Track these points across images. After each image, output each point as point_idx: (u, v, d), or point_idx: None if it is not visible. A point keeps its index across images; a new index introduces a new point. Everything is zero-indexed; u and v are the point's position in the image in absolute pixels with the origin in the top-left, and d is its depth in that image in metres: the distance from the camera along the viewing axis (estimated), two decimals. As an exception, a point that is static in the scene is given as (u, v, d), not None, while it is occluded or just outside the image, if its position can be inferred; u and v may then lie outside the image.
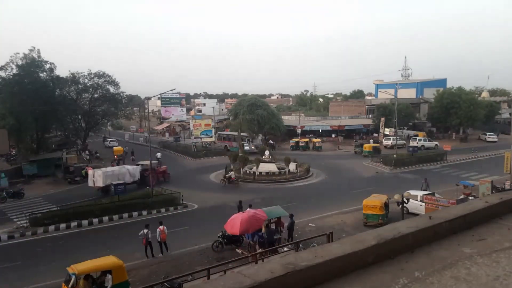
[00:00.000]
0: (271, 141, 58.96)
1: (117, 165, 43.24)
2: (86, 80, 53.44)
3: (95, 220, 24.80)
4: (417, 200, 23.53)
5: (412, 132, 63.76)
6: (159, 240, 18.73)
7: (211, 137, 60.21)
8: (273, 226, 20.00)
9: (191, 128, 60.49)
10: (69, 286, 12.46)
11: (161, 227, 18.86)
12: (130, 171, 33.50)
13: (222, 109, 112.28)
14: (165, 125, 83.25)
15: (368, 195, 29.76)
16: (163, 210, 27.23)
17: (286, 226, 20.22)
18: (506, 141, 50.55)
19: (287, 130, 63.82)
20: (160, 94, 53.97)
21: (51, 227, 23.62)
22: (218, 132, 64.56)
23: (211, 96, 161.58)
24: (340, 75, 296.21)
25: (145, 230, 18.74)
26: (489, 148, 54.02)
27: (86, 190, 33.65)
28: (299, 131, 61.82)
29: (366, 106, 74.30)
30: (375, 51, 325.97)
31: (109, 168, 34.78)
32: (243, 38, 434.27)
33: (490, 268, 2.75)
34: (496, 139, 61.26)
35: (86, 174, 38.40)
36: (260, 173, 37.17)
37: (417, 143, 52.91)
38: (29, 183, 36.56)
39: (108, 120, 63.05)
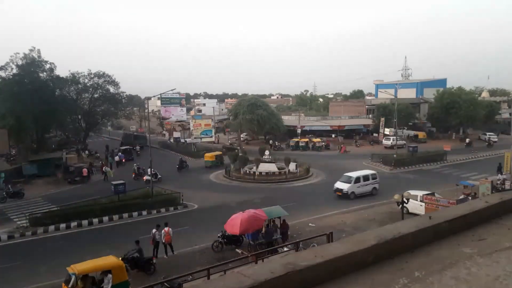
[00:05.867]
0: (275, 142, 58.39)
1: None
2: (86, 80, 53.55)
3: (95, 220, 24.80)
4: (417, 200, 23.54)
5: (412, 132, 63.74)
6: (163, 241, 18.73)
7: (211, 137, 60.25)
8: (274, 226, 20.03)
9: (191, 128, 60.52)
10: (69, 286, 12.46)
11: (166, 228, 18.84)
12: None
13: (222, 109, 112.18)
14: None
15: (368, 195, 29.89)
16: (163, 210, 27.23)
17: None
18: (506, 141, 50.54)
19: (287, 130, 63.79)
20: (160, 94, 53.96)
21: (51, 227, 23.63)
22: None
23: (211, 96, 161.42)
24: (340, 75, 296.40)
25: (154, 230, 18.78)
26: (489, 148, 54.02)
27: (86, 190, 33.70)
28: (299, 131, 61.82)
29: (366, 106, 74.23)
30: (375, 51, 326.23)
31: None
32: (243, 38, 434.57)
33: (490, 268, 2.75)
34: (496, 139, 61.20)
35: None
36: (260, 173, 37.17)
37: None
38: (29, 183, 36.55)
39: (108, 120, 63.14)
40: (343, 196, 28.81)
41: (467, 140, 57.69)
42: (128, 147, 51.99)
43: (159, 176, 36.37)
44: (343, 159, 47.58)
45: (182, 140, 64.26)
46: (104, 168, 40.36)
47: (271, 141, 58.57)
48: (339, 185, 29.65)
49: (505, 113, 76.12)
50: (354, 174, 30.25)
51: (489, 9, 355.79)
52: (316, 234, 17.30)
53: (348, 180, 29.63)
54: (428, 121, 69.43)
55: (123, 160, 46.96)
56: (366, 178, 30.05)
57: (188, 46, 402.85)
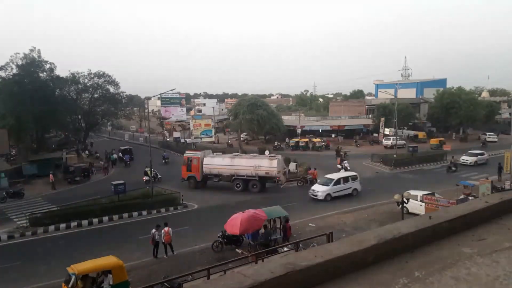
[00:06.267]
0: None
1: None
2: (86, 80, 53.49)
3: (95, 220, 24.80)
4: (417, 200, 23.53)
5: (412, 132, 63.75)
6: (163, 241, 18.74)
7: (211, 137, 60.25)
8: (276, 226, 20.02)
9: (191, 128, 60.55)
10: (69, 286, 12.45)
11: (166, 228, 18.83)
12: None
13: (222, 109, 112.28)
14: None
15: (368, 195, 29.85)
16: (163, 210, 27.22)
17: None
18: (506, 141, 50.55)
19: (287, 130, 63.83)
20: (160, 94, 53.96)
21: (51, 227, 23.62)
22: None
23: (211, 96, 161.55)
24: (340, 75, 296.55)
25: (153, 230, 18.78)
26: (489, 148, 54.02)
27: (86, 190, 33.69)
28: (299, 131, 61.87)
29: (366, 106, 74.26)
30: (375, 51, 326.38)
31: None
32: (243, 38, 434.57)
33: (490, 268, 2.75)
34: (496, 139, 61.23)
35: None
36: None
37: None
38: (29, 183, 36.55)
39: (108, 120, 63.11)
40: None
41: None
42: (128, 147, 52.05)
43: (159, 176, 36.37)
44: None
45: (182, 140, 64.27)
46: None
47: (276, 142, 58.46)
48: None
49: (505, 113, 76.19)
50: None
51: (490, 9, 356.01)
52: (316, 234, 17.33)
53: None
54: (428, 121, 69.45)
55: (128, 161, 46.89)
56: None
57: (188, 46, 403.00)
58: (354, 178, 30.00)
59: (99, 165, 44.15)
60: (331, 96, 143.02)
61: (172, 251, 18.95)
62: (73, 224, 24.15)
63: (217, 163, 32.94)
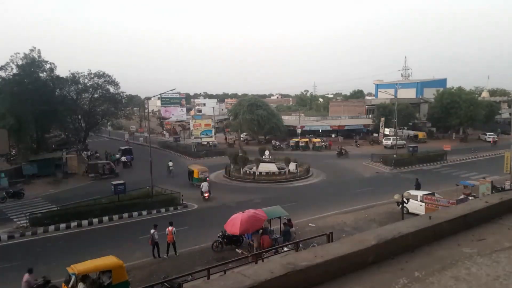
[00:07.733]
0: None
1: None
2: (86, 80, 53.41)
3: (95, 220, 24.81)
4: (417, 200, 23.53)
5: (412, 132, 63.75)
6: (167, 240, 18.70)
7: (211, 137, 60.24)
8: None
9: (191, 128, 60.53)
10: (69, 286, 12.47)
11: (169, 227, 18.82)
12: None
13: (222, 109, 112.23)
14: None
15: (368, 195, 29.82)
16: (163, 210, 27.22)
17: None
18: (506, 141, 50.51)
19: (287, 130, 63.78)
20: (160, 94, 53.94)
21: (51, 227, 23.64)
22: None
23: (211, 96, 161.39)
24: (340, 75, 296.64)
25: (152, 231, 18.73)
26: (489, 148, 54.04)
27: (86, 190, 33.70)
28: (299, 131, 61.83)
29: (366, 106, 74.21)
30: (375, 51, 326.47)
31: None
32: (243, 38, 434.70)
33: (490, 268, 2.75)
34: (496, 139, 61.22)
35: None
36: (260, 173, 37.16)
37: None
38: (29, 183, 36.55)
39: (108, 120, 63.08)
40: None
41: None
42: (128, 147, 52.05)
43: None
44: (343, 159, 47.60)
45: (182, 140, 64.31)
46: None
47: (273, 142, 58.52)
48: None
49: (505, 113, 76.16)
50: None
51: (490, 9, 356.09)
52: (316, 234, 17.31)
53: None
54: (428, 121, 69.43)
55: (128, 162, 46.75)
56: None
57: (188, 46, 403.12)
58: None
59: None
60: (331, 96, 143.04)
61: (175, 252, 18.90)
62: (73, 224, 24.16)
63: None
